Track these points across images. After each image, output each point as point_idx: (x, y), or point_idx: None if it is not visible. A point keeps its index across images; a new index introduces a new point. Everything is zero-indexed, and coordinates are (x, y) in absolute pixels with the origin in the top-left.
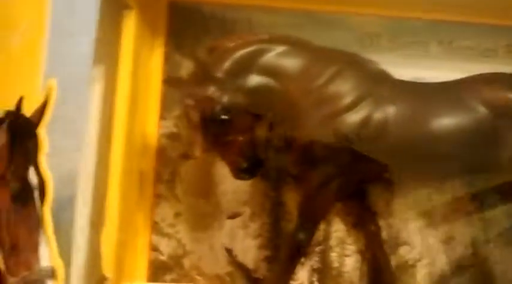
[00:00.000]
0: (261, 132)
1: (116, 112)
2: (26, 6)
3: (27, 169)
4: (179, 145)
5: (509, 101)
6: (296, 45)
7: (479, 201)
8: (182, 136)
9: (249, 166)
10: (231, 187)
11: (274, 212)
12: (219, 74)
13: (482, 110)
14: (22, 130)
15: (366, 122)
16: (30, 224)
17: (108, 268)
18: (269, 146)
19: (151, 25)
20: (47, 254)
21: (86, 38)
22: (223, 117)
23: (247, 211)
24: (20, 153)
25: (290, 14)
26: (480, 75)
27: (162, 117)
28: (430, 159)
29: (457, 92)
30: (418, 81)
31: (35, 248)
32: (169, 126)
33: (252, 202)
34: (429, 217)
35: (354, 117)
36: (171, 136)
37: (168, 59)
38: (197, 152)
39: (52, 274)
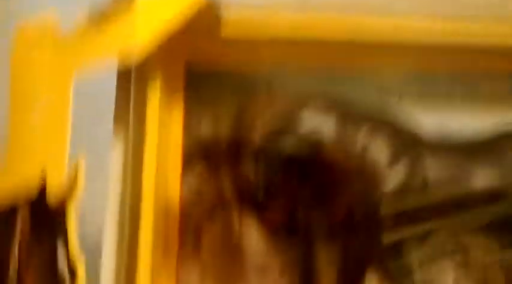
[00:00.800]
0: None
1: (144, 186)
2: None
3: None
4: (204, 204)
5: None
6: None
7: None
8: (207, 193)
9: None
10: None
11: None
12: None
13: None
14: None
15: (409, 177)
16: None
17: None
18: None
19: (169, 87)
20: None
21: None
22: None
23: (275, 266)
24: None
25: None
26: None
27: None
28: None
29: (496, 147)
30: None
31: None
32: (192, 184)
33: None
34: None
35: (395, 175)
36: (196, 195)
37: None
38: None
39: None
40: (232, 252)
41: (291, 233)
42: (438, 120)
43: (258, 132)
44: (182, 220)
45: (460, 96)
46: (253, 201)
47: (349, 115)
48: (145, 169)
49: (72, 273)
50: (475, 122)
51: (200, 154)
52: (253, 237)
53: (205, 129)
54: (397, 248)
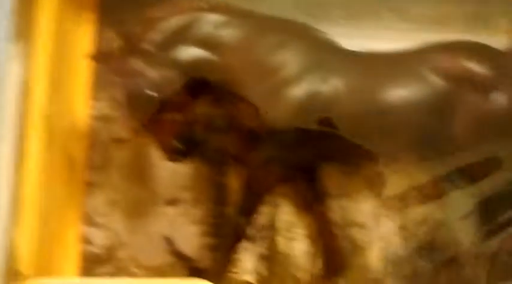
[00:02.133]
0: (201, 110)
1: (34, 93)
2: None
3: None
4: (113, 127)
5: (466, 71)
6: (237, 15)
7: (440, 182)
8: (117, 118)
9: (183, 148)
10: (169, 171)
11: (217, 197)
12: (148, 46)
13: (435, 80)
14: None
15: (312, 96)
16: None
17: (28, 263)
18: (209, 126)
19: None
20: None
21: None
22: (150, 93)
23: (187, 196)
24: None
25: None
26: (435, 44)
27: (95, 98)
28: (382, 133)
29: (410, 62)
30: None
31: None
32: (103, 107)
33: (193, 187)
34: (385, 199)
35: (298, 91)
36: (104, 119)
37: (100, 36)
38: (128, 134)
39: None
40: (142, 182)
41: (188, 152)
42: (363, 40)
43: (155, 36)
44: (90, 143)
45: (387, 18)
46: (143, 101)
47: (265, 23)
48: (37, 77)
49: None
50: (398, 43)
51: (110, 72)
52: (164, 167)
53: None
54: (311, 170)
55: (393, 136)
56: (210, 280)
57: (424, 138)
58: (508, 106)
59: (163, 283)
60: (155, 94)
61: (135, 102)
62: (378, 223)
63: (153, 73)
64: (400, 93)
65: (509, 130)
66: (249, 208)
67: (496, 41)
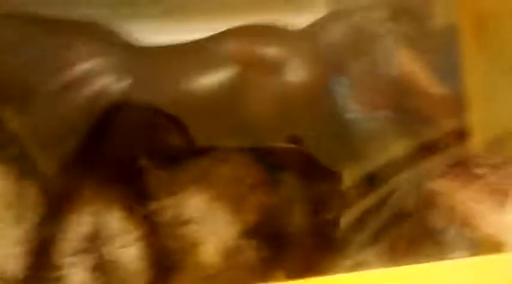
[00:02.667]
0: None
1: None
2: None
3: None
4: None
5: (253, 53)
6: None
7: (264, 170)
8: None
9: None
10: None
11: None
12: None
13: (228, 66)
14: None
15: (100, 95)
16: None
17: None
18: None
19: None
20: None
21: None
22: None
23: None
24: None
25: None
26: (227, 30)
27: None
28: (195, 123)
29: (207, 49)
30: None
31: None
32: None
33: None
34: (214, 189)
35: (87, 91)
36: None
37: None
38: None
39: None
40: None
41: None
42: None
43: None
44: None
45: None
46: None
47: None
48: None
49: None
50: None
51: None
52: None
53: None
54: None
55: (205, 125)
56: None
57: (231, 126)
58: (301, 83)
59: None
60: None
61: None
62: (209, 218)
63: None
64: (195, 82)
65: (308, 109)
66: (52, 219)
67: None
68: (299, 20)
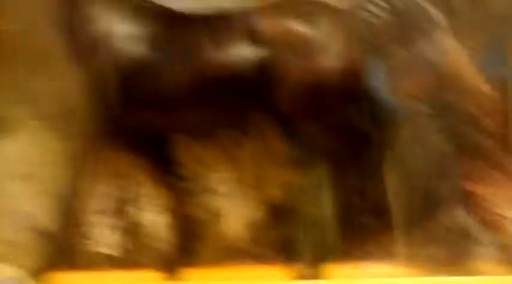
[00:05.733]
0: None
1: None
2: None
3: None
4: None
5: (285, 31)
6: None
7: (290, 144)
8: None
9: None
10: None
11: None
12: None
13: (250, 45)
14: None
15: (140, 65)
16: None
17: None
18: None
19: None
20: None
21: None
22: None
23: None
24: None
25: None
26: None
27: None
28: (202, 104)
29: (230, 25)
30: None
31: None
32: None
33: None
34: (242, 164)
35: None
36: None
37: None
38: None
39: None
40: None
41: None
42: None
43: None
44: None
45: None
46: None
47: None
48: None
49: None
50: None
51: None
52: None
53: None
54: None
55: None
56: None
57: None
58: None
59: None
60: None
61: None
62: (235, 190)
63: None
64: (211, 62)
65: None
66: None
67: None
68: None
